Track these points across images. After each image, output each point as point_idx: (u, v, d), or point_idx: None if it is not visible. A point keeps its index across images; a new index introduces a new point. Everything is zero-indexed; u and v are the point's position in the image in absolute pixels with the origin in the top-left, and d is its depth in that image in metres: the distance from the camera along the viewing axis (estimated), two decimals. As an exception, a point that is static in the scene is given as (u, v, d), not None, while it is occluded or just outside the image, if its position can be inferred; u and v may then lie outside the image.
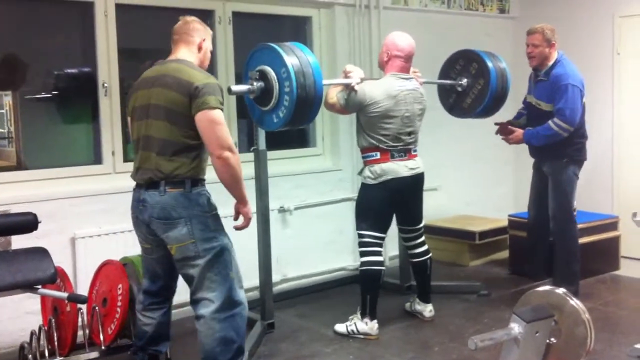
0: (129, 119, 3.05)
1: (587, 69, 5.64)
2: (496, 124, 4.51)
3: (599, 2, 5.62)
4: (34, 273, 3.04)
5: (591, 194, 5.41)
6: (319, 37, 5.12)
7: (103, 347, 3.35)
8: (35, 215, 3.27)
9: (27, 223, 3.26)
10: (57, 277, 3.13)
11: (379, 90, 3.75)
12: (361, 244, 3.85)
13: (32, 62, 4.02)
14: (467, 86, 4.33)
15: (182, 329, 3.81)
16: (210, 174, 2.92)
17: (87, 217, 3.91)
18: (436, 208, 5.21)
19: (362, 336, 3.79)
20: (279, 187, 4.51)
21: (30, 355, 3.23)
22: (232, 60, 4.60)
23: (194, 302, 2.91)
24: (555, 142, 4.17)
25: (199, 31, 2.99)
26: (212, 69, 4.57)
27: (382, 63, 3.95)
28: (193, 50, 2.97)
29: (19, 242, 3.53)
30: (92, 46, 4.07)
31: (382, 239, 3.86)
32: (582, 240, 4.81)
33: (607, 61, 5.58)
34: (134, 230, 3.04)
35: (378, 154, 3.77)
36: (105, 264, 3.61)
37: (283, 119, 3.15)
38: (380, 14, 5.22)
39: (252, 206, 3.05)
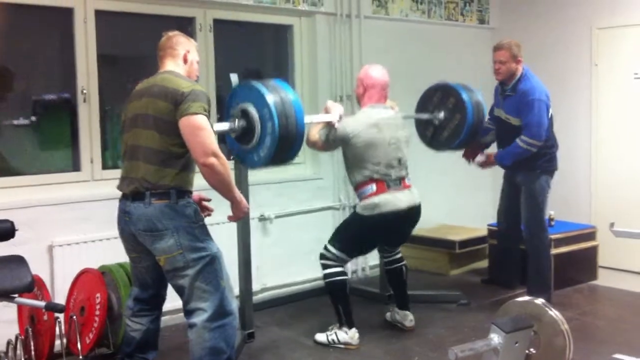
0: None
1: (565, 79, 5.77)
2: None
3: (577, 14, 5.69)
4: (11, 281, 2.99)
5: (569, 203, 5.48)
6: (300, 45, 5.13)
7: (81, 357, 3.31)
8: (12, 223, 3.22)
9: (4, 230, 3.22)
10: (34, 286, 3.09)
11: (359, 122, 3.80)
12: (323, 257, 3.84)
13: (9, 66, 3.97)
14: (444, 120, 4.36)
15: (169, 342, 3.77)
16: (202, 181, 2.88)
17: (65, 225, 3.86)
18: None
19: (342, 346, 3.78)
20: (259, 195, 4.49)
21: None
22: (212, 68, 4.59)
23: (187, 312, 2.88)
24: (525, 158, 4.27)
25: (182, 44, 3.00)
26: (193, 76, 4.57)
27: (358, 96, 3.99)
28: (179, 63, 2.98)
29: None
30: (71, 52, 4.04)
31: (345, 262, 3.87)
32: (560, 250, 4.87)
33: (585, 72, 5.65)
34: (121, 240, 2.99)
35: (374, 185, 3.75)
36: (83, 273, 3.58)
37: (264, 158, 3.14)
38: (362, 22, 5.24)
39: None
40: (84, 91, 4.04)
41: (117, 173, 3.92)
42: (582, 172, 5.64)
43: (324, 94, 5.14)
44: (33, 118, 4.02)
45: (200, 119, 2.73)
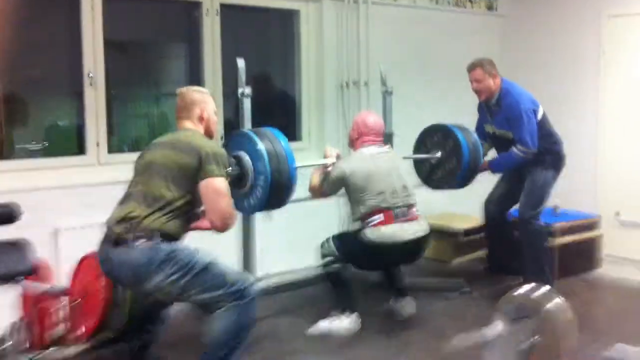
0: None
1: (574, 67, 5.72)
2: None
3: (587, 0, 5.64)
4: (15, 265, 3.01)
5: (574, 193, 5.44)
6: (306, 30, 5.10)
7: (84, 341, 3.32)
8: (17, 206, 3.23)
9: (9, 214, 3.22)
10: (39, 269, 3.10)
11: (354, 160, 3.85)
12: (323, 246, 3.86)
13: (17, 49, 3.97)
14: (441, 160, 4.39)
15: (179, 331, 3.70)
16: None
17: (70, 209, 3.87)
18: (420, 204, 5.17)
19: (344, 332, 3.79)
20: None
21: (10, 348, 3.19)
22: (219, 53, 4.58)
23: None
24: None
25: (196, 102, 3.03)
26: (198, 63, 4.56)
27: (352, 140, 4.01)
28: (196, 123, 3.03)
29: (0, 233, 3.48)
30: (78, 36, 4.02)
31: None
32: (565, 239, 4.86)
33: (593, 60, 5.60)
34: None
35: (382, 215, 3.72)
36: (87, 257, 3.57)
37: (255, 207, 3.27)
38: (369, 8, 5.21)
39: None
40: (91, 75, 4.04)
41: (123, 157, 3.95)
42: (588, 161, 5.60)
43: (330, 80, 5.13)
44: (39, 100, 4.02)
45: (222, 184, 2.79)
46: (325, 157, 3.91)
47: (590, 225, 5.14)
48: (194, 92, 3.09)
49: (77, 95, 4.09)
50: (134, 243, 2.74)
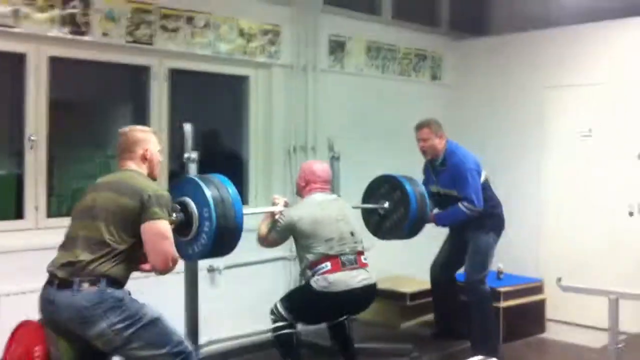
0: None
1: (515, 135, 5.92)
2: None
3: (527, 72, 5.88)
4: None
5: (517, 257, 5.54)
6: (256, 96, 5.16)
7: (15, 415, 3.15)
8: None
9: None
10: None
11: (302, 207, 3.89)
12: (273, 313, 3.81)
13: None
14: (388, 210, 4.44)
15: None
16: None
17: (6, 274, 3.73)
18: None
19: (290, 401, 3.71)
20: (209, 245, 4.43)
21: None
22: (166, 117, 4.57)
23: None
24: (474, 218, 4.39)
25: (139, 142, 2.99)
26: (144, 125, 4.53)
27: (299, 189, 4.05)
28: (139, 163, 2.98)
29: None
30: (21, 98, 3.98)
31: (294, 324, 3.83)
32: (509, 302, 4.92)
33: (534, 129, 5.81)
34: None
35: (328, 263, 3.72)
36: (22, 325, 3.43)
37: (199, 253, 3.19)
38: (318, 75, 5.32)
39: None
40: (32, 138, 3.97)
41: (63, 222, 3.83)
42: (531, 226, 5.74)
43: (279, 144, 5.17)
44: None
45: (165, 227, 2.77)
46: (273, 204, 3.90)
47: (534, 289, 5.22)
48: (137, 132, 3.02)
49: (17, 157, 4.01)
50: (79, 287, 2.68)
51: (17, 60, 3.98)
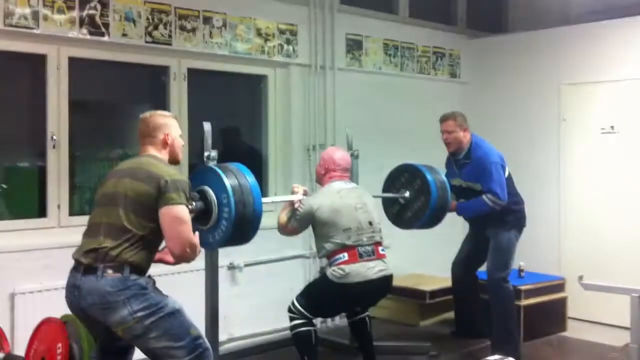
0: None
1: (534, 133, 5.89)
2: None
3: (545, 70, 5.85)
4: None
5: (538, 255, 5.51)
6: (274, 95, 5.18)
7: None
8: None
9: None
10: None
11: (321, 195, 3.89)
12: (291, 311, 3.82)
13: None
14: (409, 200, 4.41)
15: None
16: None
17: (29, 272, 3.79)
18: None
19: (309, 398, 3.72)
20: (229, 243, 4.46)
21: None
22: (185, 117, 4.60)
23: None
24: (496, 212, 4.34)
25: (160, 127, 2.98)
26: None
27: (319, 176, 4.05)
28: (160, 149, 2.97)
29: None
30: (43, 98, 4.03)
31: (312, 319, 3.83)
32: (530, 301, 4.88)
33: (553, 127, 5.77)
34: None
35: (346, 254, 3.73)
36: (45, 322, 3.48)
37: (220, 241, 3.18)
38: (335, 74, 5.34)
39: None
40: (54, 137, 4.02)
41: (84, 219, 3.88)
42: (552, 224, 5.70)
43: (298, 143, 5.19)
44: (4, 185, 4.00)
45: (182, 211, 2.75)
46: (292, 193, 3.89)
47: (555, 288, 5.18)
48: (157, 117, 3.01)
49: (40, 156, 4.06)
50: (103, 272, 2.70)
51: (38, 61, 4.04)
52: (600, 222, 5.45)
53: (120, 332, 2.74)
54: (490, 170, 4.32)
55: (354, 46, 5.53)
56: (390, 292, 3.99)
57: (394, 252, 4.93)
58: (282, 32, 5.06)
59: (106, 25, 4.16)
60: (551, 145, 5.79)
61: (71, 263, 2.90)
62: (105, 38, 4.17)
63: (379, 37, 5.69)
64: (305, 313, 3.77)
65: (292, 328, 3.80)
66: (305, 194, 3.87)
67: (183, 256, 2.77)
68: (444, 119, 4.53)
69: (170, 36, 4.44)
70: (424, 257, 5.83)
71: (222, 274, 4.30)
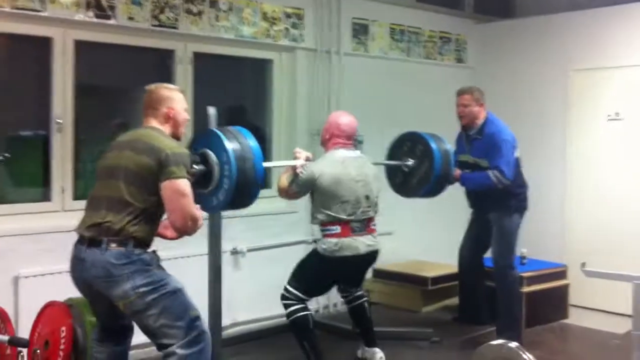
0: None
1: (540, 119, 5.86)
2: None
3: (553, 55, 5.81)
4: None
5: (541, 242, 5.51)
6: (279, 79, 5.17)
7: (43, 392, 3.24)
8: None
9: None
10: (-4, 319, 3.03)
11: (324, 162, 3.85)
12: (284, 298, 3.84)
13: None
14: (413, 167, 4.39)
15: None
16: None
17: (33, 256, 3.81)
18: (389, 252, 5.20)
19: (311, 384, 3.75)
20: (232, 228, 4.45)
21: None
22: (190, 100, 4.58)
23: (160, 346, 2.81)
24: (498, 194, 4.33)
25: (164, 100, 2.95)
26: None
27: (323, 141, 4.02)
28: (162, 122, 2.95)
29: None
30: (47, 81, 4.02)
31: (306, 300, 3.85)
32: (532, 288, 4.89)
33: (560, 112, 5.74)
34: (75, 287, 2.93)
35: (339, 227, 3.76)
36: (49, 305, 3.52)
37: (223, 202, 3.14)
38: (341, 59, 5.31)
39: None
40: (59, 121, 4.02)
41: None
42: (555, 211, 5.70)
43: (303, 127, 5.18)
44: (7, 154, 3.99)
45: (184, 184, 2.75)
46: (294, 158, 3.86)
47: (558, 275, 5.18)
48: (163, 89, 2.99)
49: (44, 139, 4.06)
50: (107, 245, 2.72)
51: (44, 44, 4.03)
52: (605, 209, 5.44)
53: (122, 307, 2.77)
54: (500, 146, 4.29)
55: (360, 30, 5.49)
56: (374, 263, 4.07)
57: (397, 238, 4.95)
58: (288, 16, 5.03)
59: (112, 8, 4.14)
60: (557, 131, 5.76)
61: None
62: (112, 21, 4.16)
63: (385, 22, 5.66)
64: (300, 295, 3.79)
65: (288, 315, 3.83)
66: (307, 159, 3.81)
67: (185, 229, 2.78)
68: (461, 92, 4.52)
69: (176, 19, 4.42)
70: (427, 244, 5.83)
71: (225, 259, 4.32)
